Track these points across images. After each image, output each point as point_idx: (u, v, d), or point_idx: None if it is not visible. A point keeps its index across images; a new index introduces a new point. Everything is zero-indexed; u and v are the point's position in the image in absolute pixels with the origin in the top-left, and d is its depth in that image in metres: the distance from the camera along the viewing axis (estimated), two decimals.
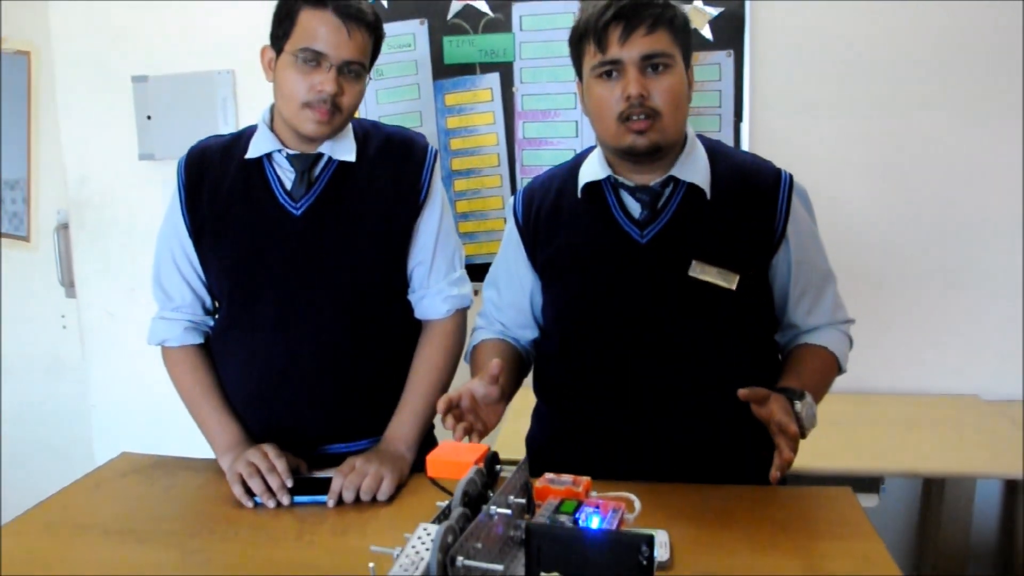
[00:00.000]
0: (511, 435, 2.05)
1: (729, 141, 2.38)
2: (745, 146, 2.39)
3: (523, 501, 1.01)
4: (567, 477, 1.10)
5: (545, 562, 0.93)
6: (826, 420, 2.25)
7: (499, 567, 0.86)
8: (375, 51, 1.56)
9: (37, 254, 3.06)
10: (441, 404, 1.28)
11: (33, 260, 3.08)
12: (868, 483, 2.12)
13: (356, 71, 1.50)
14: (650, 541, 0.90)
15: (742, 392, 1.25)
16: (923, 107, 2.40)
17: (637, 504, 1.10)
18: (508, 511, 0.95)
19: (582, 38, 1.42)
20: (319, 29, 1.45)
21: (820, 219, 2.40)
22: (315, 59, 1.46)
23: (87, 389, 2.98)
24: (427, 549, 0.84)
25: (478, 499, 0.95)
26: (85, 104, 2.80)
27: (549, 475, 1.10)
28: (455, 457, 1.04)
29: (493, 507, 0.95)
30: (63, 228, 2.96)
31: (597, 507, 1.03)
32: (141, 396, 2.80)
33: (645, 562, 0.90)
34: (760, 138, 2.40)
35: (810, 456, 1.96)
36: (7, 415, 3.22)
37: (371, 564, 0.78)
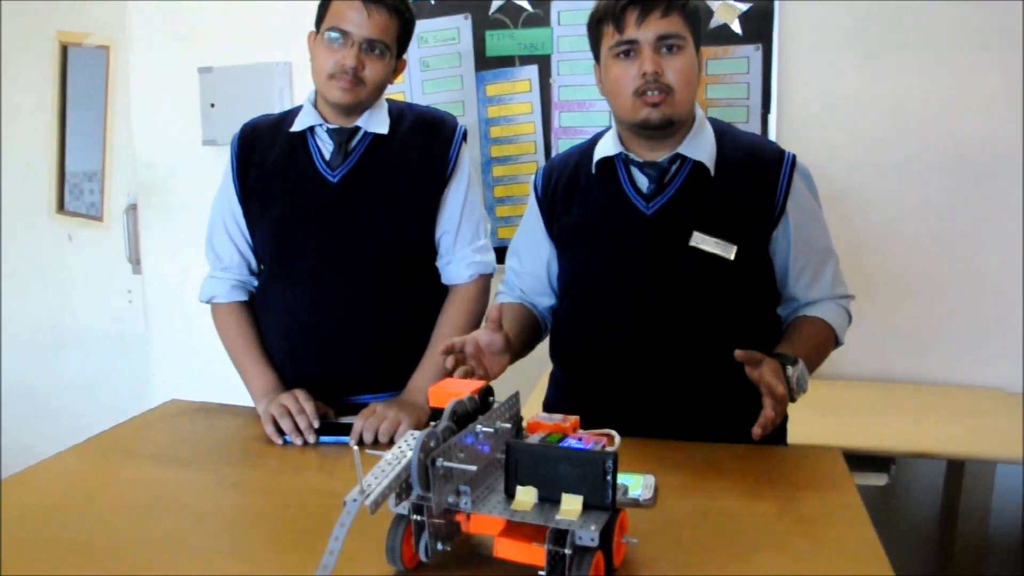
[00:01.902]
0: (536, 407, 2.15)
1: (757, 132, 2.46)
2: (773, 137, 2.46)
3: (509, 426, 1.12)
4: (558, 415, 1.20)
5: (521, 476, 1.04)
6: (845, 403, 2.34)
7: (472, 467, 0.98)
8: (404, 34, 1.70)
9: (109, 232, 3.29)
10: (443, 347, 1.37)
11: (105, 238, 3.31)
12: (881, 463, 2.17)
13: (379, 49, 1.65)
14: (614, 458, 1.01)
15: (738, 353, 1.34)
16: (952, 101, 2.44)
17: (617, 439, 1.20)
18: (491, 430, 1.07)
19: (600, 21, 1.54)
20: (346, 11, 1.62)
21: (846, 208, 2.48)
22: (341, 37, 1.62)
23: (148, 360, 3.19)
24: (412, 450, 0.96)
25: (465, 418, 1.07)
26: (155, 93, 3.02)
27: (542, 413, 1.21)
28: (455, 389, 1.15)
29: (479, 425, 1.07)
30: (132, 209, 3.18)
31: (580, 440, 1.14)
32: (198, 367, 2.98)
33: (608, 476, 1.00)
34: (787, 129, 2.47)
35: (822, 434, 2.06)
36: (75, 383, 3.45)
37: (355, 447, 0.90)
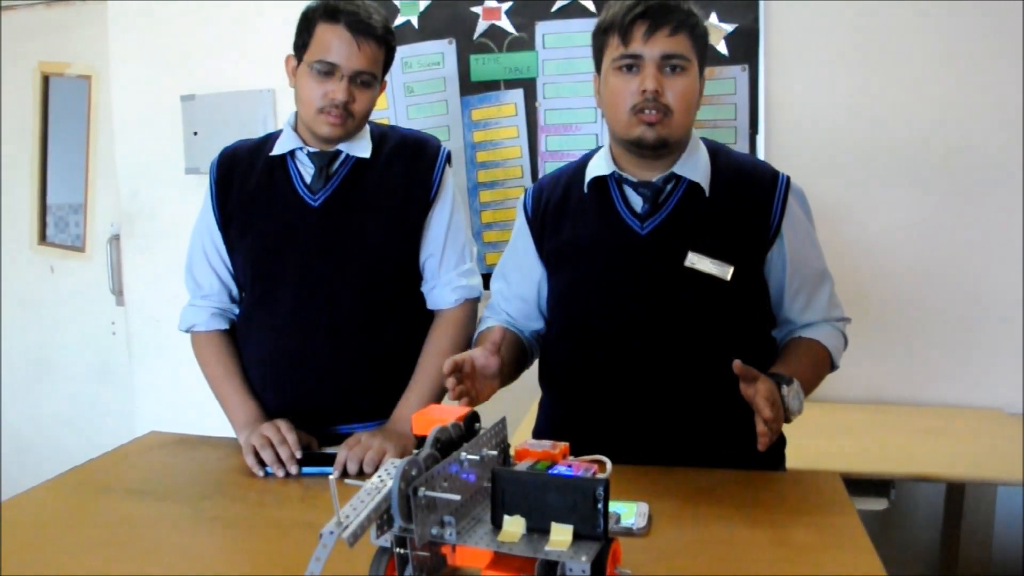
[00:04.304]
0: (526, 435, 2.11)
1: (744, 152, 2.44)
2: (761, 158, 2.43)
3: (495, 453, 1.08)
4: (546, 442, 1.16)
5: (508, 505, 0.99)
6: (843, 427, 2.30)
7: (456, 496, 0.93)
8: (388, 60, 1.67)
9: (91, 263, 3.24)
10: (447, 365, 1.34)
11: (88, 269, 3.26)
12: (880, 487, 2.12)
13: (366, 80, 1.62)
14: (606, 485, 0.96)
15: (737, 363, 1.29)
16: (942, 119, 2.43)
17: (608, 465, 1.16)
18: (477, 457, 1.03)
19: (607, 31, 1.50)
20: (332, 42, 1.58)
21: (837, 229, 2.45)
22: (329, 69, 1.59)
23: (132, 391, 3.13)
24: (392, 479, 0.92)
25: (450, 446, 1.02)
26: (138, 122, 2.99)
27: (530, 440, 1.17)
28: (439, 415, 1.11)
29: (464, 453, 1.02)
30: (115, 239, 3.13)
31: (569, 467, 1.10)
32: (182, 398, 2.92)
33: (600, 504, 0.96)
34: (775, 150, 2.45)
35: (819, 458, 2.01)
36: (58, 415, 3.38)
37: (332, 478, 0.86)
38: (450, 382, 1.34)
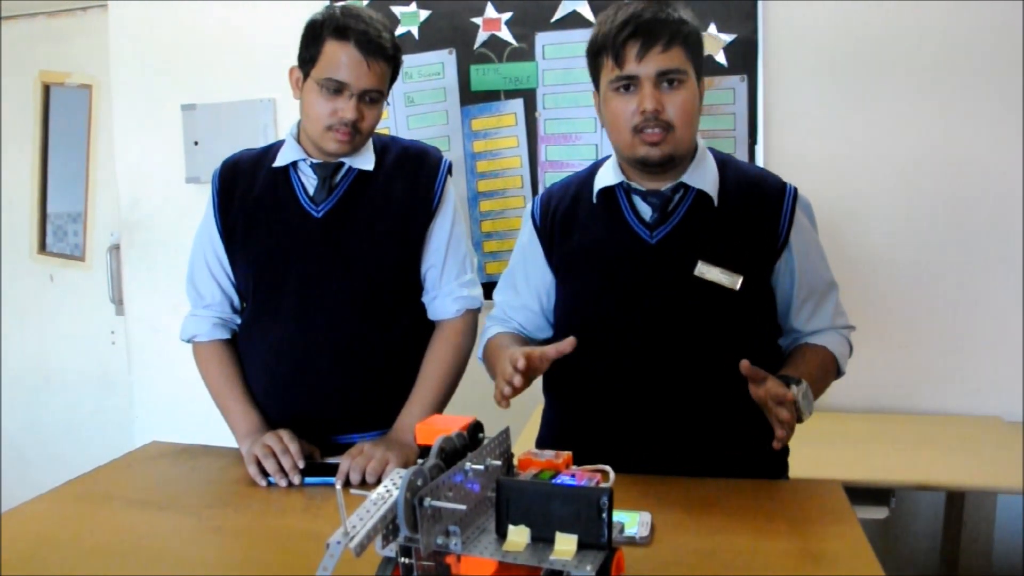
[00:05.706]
0: (528, 443, 2.11)
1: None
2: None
3: (499, 463, 1.08)
4: (549, 452, 1.16)
5: (513, 515, 0.99)
6: (843, 436, 2.30)
7: (462, 507, 0.94)
8: (394, 75, 1.68)
9: (91, 272, 3.25)
10: (522, 362, 1.31)
11: (88, 279, 3.26)
12: (880, 496, 2.13)
13: (375, 97, 1.62)
14: (610, 494, 0.96)
15: (744, 364, 1.30)
16: (940, 128, 2.44)
17: (611, 475, 1.16)
18: (481, 467, 1.03)
19: (600, 52, 1.49)
20: (342, 60, 1.57)
21: (836, 238, 2.47)
22: (338, 88, 1.59)
23: (132, 401, 3.13)
24: (398, 489, 0.92)
25: (454, 456, 1.03)
26: (138, 132, 3.00)
27: (533, 450, 1.18)
28: (443, 425, 1.12)
29: (468, 463, 1.03)
30: (115, 248, 3.14)
31: (573, 476, 1.10)
32: (182, 408, 2.92)
33: (604, 514, 0.96)
34: (775, 159, 2.46)
35: (820, 467, 2.01)
36: (58, 425, 3.38)
37: (338, 487, 0.86)
38: (518, 379, 1.32)
